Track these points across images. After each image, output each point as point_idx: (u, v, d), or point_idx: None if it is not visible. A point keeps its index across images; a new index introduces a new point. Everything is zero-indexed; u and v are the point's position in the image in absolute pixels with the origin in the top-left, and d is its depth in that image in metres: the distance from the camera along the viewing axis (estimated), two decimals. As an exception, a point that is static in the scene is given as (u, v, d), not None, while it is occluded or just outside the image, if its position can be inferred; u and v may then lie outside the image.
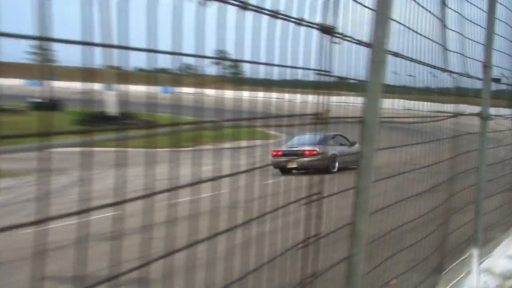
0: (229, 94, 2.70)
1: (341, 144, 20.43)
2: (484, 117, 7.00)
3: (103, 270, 1.94)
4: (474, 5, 6.68)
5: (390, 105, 4.94)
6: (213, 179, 2.31)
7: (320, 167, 18.27)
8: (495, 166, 8.43)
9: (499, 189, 8.44)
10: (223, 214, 2.58)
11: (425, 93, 5.75)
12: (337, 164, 21.22)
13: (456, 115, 6.38)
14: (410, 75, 5.06)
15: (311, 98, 3.19)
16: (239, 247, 2.57)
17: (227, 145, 2.77)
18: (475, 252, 7.00)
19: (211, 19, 2.25)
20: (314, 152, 20.42)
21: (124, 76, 2.12)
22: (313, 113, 3.13)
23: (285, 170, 18.31)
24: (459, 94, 6.73)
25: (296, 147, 20.73)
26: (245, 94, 3.08)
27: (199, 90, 2.45)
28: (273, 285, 2.93)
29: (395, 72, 4.68)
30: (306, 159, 19.78)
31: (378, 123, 3.64)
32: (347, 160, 20.46)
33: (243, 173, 2.58)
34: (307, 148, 20.51)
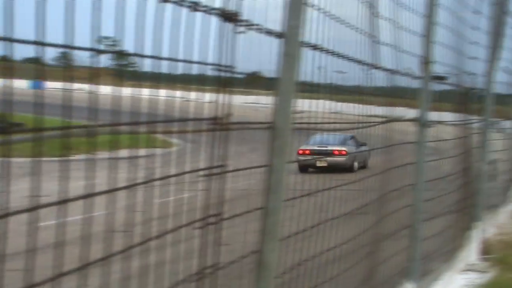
0: (107, 90, 2.67)
1: (359, 145, 22.71)
2: (422, 123, 7.08)
3: None
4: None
5: (315, 107, 4.99)
6: (84, 197, 2.32)
7: (347, 167, 24.33)
8: (438, 183, 8.57)
9: (439, 212, 8.56)
10: (98, 240, 2.58)
11: (354, 94, 5.80)
12: (356, 164, 26.37)
13: (388, 120, 6.47)
14: (342, 72, 5.15)
15: (209, 98, 3.20)
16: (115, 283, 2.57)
17: (109, 154, 2.75)
18: (410, 286, 7.12)
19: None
20: (344, 152, 26.08)
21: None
22: (210, 118, 3.15)
23: (306, 169, 20.20)
24: (394, 95, 6.83)
25: (326, 146, 24.08)
26: (128, 91, 3.07)
27: (69, 84, 2.44)
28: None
29: (320, 67, 4.74)
30: (336, 158, 25.41)
31: (291, 130, 3.68)
32: (361, 160, 25.59)
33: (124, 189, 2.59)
34: (336, 148, 23.96)
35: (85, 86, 2.52)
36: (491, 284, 9.04)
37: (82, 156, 2.55)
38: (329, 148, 24.90)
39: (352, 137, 24.11)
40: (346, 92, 5.57)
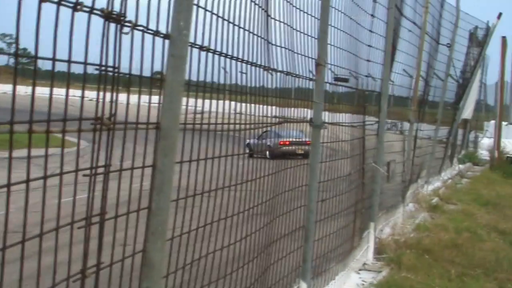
0: (5, 88, 2.67)
1: None
2: (316, 124, 7.18)
3: None
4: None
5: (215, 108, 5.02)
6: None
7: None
8: (335, 183, 8.68)
9: (334, 212, 8.66)
10: None
11: (251, 94, 5.82)
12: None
13: (282, 121, 6.55)
14: (243, 72, 5.19)
15: (91, 96, 3.19)
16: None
17: (15, 153, 2.72)
18: (304, 285, 7.20)
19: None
20: (309, 142, 26.51)
21: None
22: (93, 118, 3.14)
23: (280, 156, 20.97)
24: (290, 97, 6.91)
25: (300, 138, 25.00)
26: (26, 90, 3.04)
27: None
28: None
29: (224, 68, 4.77)
30: (307, 147, 26.52)
31: (178, 130, 3.71)
32: None
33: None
34: (307, 139, 26.14)
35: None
36: (384, 283, 9.21)
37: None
38: (303, 139, 25.64)
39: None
40: (244, 93, 5.58)
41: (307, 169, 7.28)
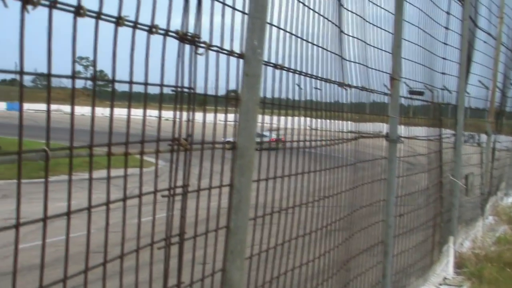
0: (83, 110, 2.70)
1: None
2: (391, 138, 7.10)
3: None
4: (378, 5, 6.85)
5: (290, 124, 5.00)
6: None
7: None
8: (413, 197, 8.58)
9: (413, 227, 8.57)
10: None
11: (326, 110, 5.81)
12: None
13: (359, 136, 6.51)
14: (318, 88, 5.17)
15: (167, 116, 3.20)
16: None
17: (95, 174, 2.74)
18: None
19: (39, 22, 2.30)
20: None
21: None
22: (171, 139, 3.16)
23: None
24: (365, 111, 6.87)
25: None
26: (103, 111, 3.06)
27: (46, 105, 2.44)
28: None
29: (299, 84, 4.76)
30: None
31: (254, 149, 3.71)
32: None
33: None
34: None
35: (62, 107, 2.54)
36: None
37: (59, 177, 2.56)
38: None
39: None
40: (319, 109, 5.57)
41: (384, 184, 7.20)
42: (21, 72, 2.12)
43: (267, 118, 4.28)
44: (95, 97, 2.68)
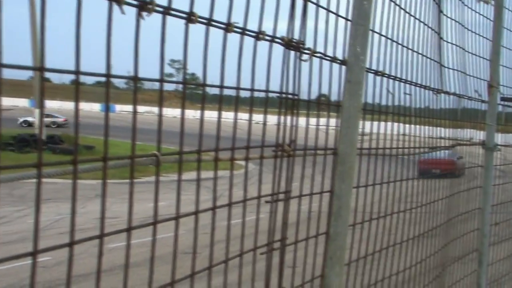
0: (174, 112, 2.69)
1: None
2: (488, 146, 6.99)
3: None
4: (477, 12, 6.75)
5: (384, 129, 4.96)
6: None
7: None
8: (506, 206, 8.43)
9: (509, 234, 8.44)
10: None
11: (421, 116, 5.74)
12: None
13: (454, 144, 6.42)
14: (408, 94, 5.11)
15: (272, 123, 3.19)
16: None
17: (185, 176, 2.75)
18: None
19: (155, 29, 2.31)
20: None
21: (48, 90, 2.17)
22: (275, 145, 3.15)
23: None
24: (461, 118, 6.77)
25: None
26: (194, 114, 3.06)
27: (136, 108, 2.45)
28: None
29: (389, 90, 4.71)
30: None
31: (355, 155, 3.68)
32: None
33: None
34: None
35: (154, 109, 2.55)
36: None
37: (150, 178, 2.57)
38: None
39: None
40: (413, 115, 5.49)
41: (479, 192, 7.09)
42: (108, 75, 2.13)
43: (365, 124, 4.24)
44: (185, 100, 2.68)
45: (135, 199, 2.22)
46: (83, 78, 2.06)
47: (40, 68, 1.85)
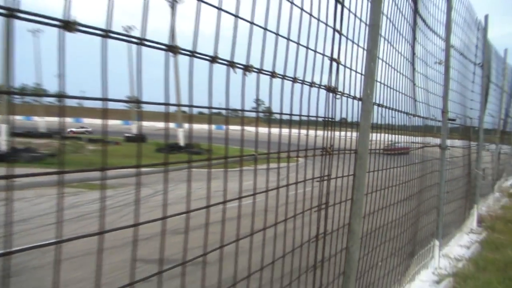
0: (262, 130, 2.62)
1: None
2: (443, 147, 6.88)
3: (177, 254, 1.94)
4: (435, 69, 6.58)
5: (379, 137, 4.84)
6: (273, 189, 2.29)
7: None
8: (451, 182, 8.22)
9: (454, 198, 8.25)
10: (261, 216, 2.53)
11: (403, 130, 5.60)
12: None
13: (423, 146, 6.27)
14: (393, 117, 4.97)
15: (320, 134, 3.13)
16: (271, 240, 2.52)
17: (261, 167, 2.69)
18: (436, 242, 6.87)
19: (250, 82, 2.24)
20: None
21: (189, 118, 2.11)
22: (322, 148, 3.09)
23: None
24: (426, 131, 6.61)
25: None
26: (274, 131, 3.03)
27: (240, 127, 2.39)
28: (297, 266, 2.87)
29: (382, 115, 4.59)
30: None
31: (367, 154, 3.58)
32: None
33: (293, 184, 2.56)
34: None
35: (250, 128, 2.48)
36: (484, 241, 8.59)
37: (248, 168, 2.49)
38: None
39: None
40: (399, 129, 5.36)
41: (437, 174, 6.89)
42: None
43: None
44: (258, 122, 2.60)
45: (231, 180, 2.15)
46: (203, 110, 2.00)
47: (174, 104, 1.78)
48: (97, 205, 16.09)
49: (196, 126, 2.16)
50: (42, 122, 59.66)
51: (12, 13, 1.26)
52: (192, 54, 1.80)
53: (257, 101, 2.37)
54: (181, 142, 43.68)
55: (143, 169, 1.70)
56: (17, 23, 1.31)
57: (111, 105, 1.59)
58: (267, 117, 2.69)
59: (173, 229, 3.80)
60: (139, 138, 2.17)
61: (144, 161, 1.70)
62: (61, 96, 1.43)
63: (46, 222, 13.38)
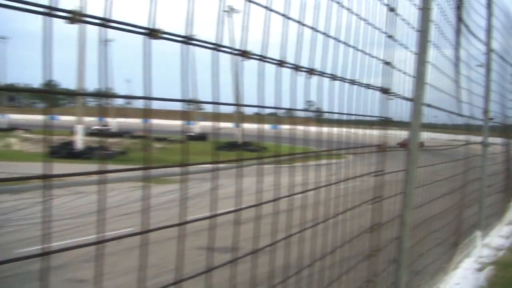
0: (315, 130, 2.52)
1: None
2: (484, 144, 6.60)
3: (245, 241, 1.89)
4: (477, 72, 6.32)
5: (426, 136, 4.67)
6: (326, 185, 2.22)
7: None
8: (492, 176, 7.89)
9: (494, 192, 7.90)
10: (318, 207, 2.46)
11: (448, 129, 5.38)
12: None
13: (467, 143, 6.03)
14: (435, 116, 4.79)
15: (374, 133, 3.02)
16: (326, 230, 2.44)
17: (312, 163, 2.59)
18: (479, 233, 6.61)
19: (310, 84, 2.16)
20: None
21: (245, 118, 2.06)
22: (377, 145, 2.98)
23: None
24: (469, 129, 6.36)
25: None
26: (334, 130, 2.94)
27: (293, 126, 2.32)
28: (354, 253, 2.79)
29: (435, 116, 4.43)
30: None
31: (418, 150, 3.43)
32: None
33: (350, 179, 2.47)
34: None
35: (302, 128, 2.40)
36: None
37: (300, 164, 2.39)
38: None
39: None
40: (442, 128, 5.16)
41: (479, 169, 6.59)
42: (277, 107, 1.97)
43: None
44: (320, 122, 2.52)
45: (283, 175, 2.06)
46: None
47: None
48: (165, 197, 16.31)
49: (248, 126, 2.09)
50: (114, 122, 60.70)
51: (104, 23, 1.24)
52: (262, 58, 1.74)
53: (311, 102, 2.29)
54: (239, 140, 43.79)
55: (207, 166, 1.66)
56: (88, 33, 1.29)
57: (174, 106, 1.56)
58: (318, 117, 2.61)
59: (233, 220, 3.76)
60: (200, 137, 2.13)
61: (205, 158, 1.65)
62: (147, 98, 1.40)
63: (120, 212, 13.63)
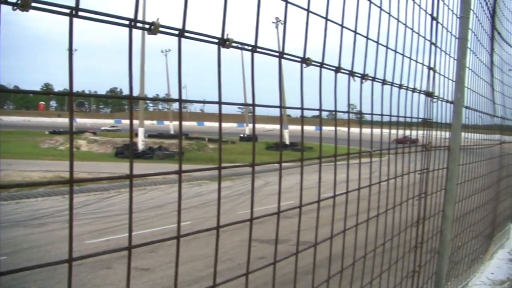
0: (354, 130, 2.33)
1: None
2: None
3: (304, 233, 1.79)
4: (509, 76, 5.94)
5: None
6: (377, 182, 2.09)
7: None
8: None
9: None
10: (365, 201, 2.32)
11: (479, 129, 5.05)
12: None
13: (500, 143, 5.68)
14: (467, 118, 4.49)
15: (420, 134, 2.83)
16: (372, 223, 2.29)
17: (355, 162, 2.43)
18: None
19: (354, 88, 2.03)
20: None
21: (294, 121, 1.95)
22: (423, 144, 2.81)
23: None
24: (502, 129, 5.99)
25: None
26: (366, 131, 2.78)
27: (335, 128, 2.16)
28: (402, 243, 2.64)
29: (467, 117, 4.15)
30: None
31: (459, 149, 3.23)
32: None
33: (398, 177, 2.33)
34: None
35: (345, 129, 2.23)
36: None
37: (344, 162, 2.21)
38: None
39: None
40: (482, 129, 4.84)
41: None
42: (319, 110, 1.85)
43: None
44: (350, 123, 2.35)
45: (328, 172, 1.91)
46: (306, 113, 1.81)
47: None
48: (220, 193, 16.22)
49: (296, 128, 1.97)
50: (172, 125, 60.94)
51: (182, 34, 1.17)
52: (321, 65, 1.64)
53: (375, 105, 2.15)
54: (287, 141, 43.48)
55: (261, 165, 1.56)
56: (151, 44, 1.23)
57: (228, 110, 1.47)
58: (359, 119, 2.46)
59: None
60: (251, 138, 2.04)
61: (257, 157, 1.55)
62: (220, 103, 1.32)
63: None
